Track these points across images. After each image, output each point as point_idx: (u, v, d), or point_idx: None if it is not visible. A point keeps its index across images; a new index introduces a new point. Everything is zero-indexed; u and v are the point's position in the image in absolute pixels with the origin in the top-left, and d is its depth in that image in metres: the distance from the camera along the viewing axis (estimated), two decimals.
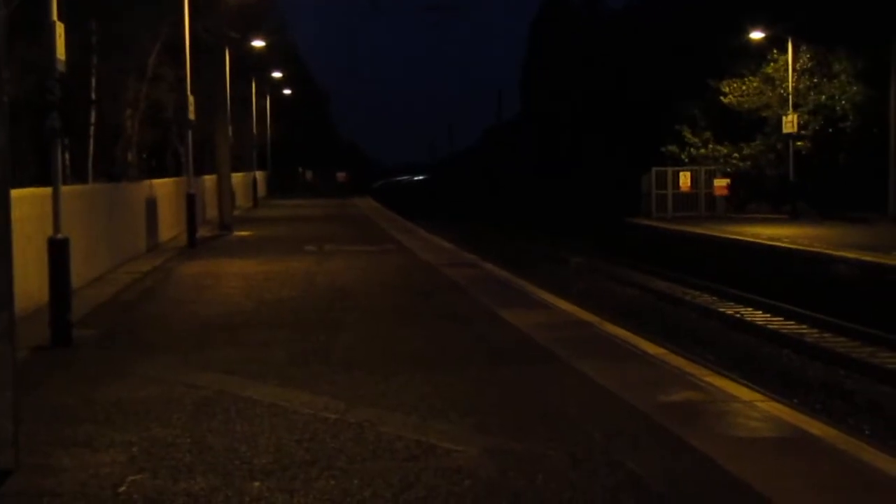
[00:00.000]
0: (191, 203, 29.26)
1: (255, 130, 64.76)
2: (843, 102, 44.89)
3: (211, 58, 37.78)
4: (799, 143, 44.95)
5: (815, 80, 45.93)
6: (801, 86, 45.81)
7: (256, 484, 7.38)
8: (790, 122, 43.65)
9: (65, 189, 14.50)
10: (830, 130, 45.64)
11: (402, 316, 15.71)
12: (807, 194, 44.83)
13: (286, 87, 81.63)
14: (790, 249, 29.70)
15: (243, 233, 35.00)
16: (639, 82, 70.50)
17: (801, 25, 44.24)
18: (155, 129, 41.12)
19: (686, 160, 51.07)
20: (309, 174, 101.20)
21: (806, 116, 45.40)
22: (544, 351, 12.49)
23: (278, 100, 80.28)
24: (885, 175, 41.86)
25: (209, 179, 43.09)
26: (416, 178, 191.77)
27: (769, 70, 47.37)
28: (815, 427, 8.95)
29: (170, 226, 30.82)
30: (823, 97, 45.49)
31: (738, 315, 23.80)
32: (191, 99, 29.05)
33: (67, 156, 29.11)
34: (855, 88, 44.50)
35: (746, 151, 49.08)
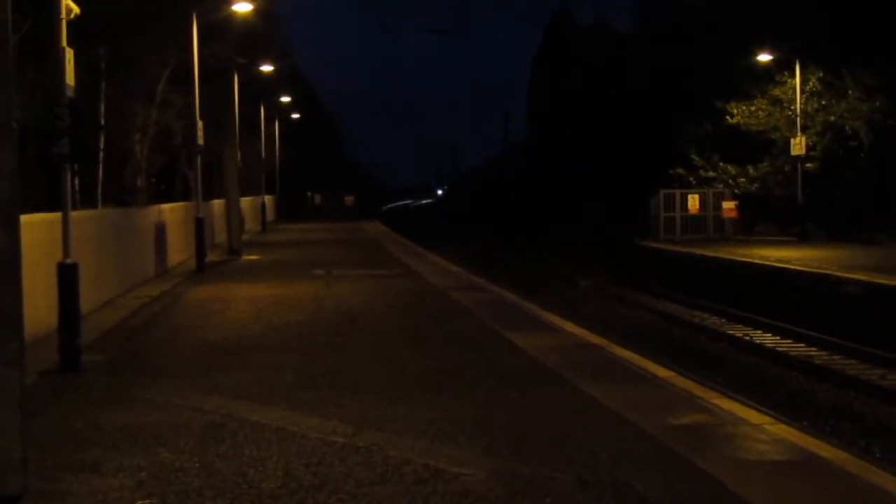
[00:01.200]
0: (199, 228, 29.31)
1: (263, 155, 64.87)
2: (854, 122, 44.84)
3: (219, 83, 37.92)
4: (808, 165, 44.93)
5: (824, 102, 45.92)
6: (810, 108, 45.81)
7: None
8: (798, 144, 43.67)
9: (74, 214, 14.56)
10: (841, 152, 45.57)
11: (411, 339, 15.71)
12: (815, 216, 44.79)
13: (294, 111, 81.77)
14: (799, 272, 29.68)
15: (252, 257, 35.05)
16: (645, 104, 70.53)
17: (809, 47, 44.24)
18: (164, 155, 41.20)
19: (694, 182, 51.13)
20: (317, 198, 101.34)
21: (815, 138, 45.39)
22: (552, 374, 12.48)
23: (286, 124, 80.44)
24: (894, 196, 41.83)
25: (218, 204, 43.19)
26: (423, 202, 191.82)
27: (777, 92, 47.40)
28: (825, 450, 8.94)
29: (179, 250, 30.88)
30: (833, 117, 45.45)
31: (747, 337, 23.74)
32: (199, 124, 29.10)
33: (77, 181, 29.17)
34: (866, 107, 44.46)
35: (754, 173, 49.09)
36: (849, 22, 44.67)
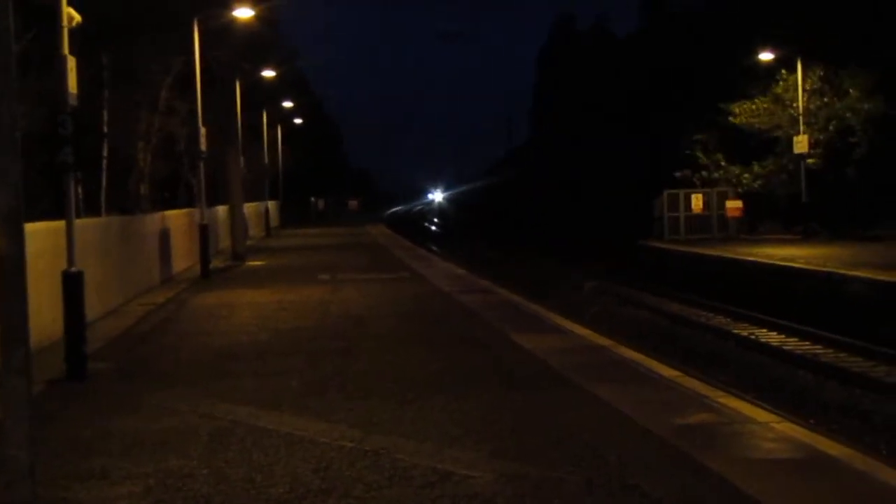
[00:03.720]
0: (204, 234, 29.34)
1: (266, 160, 64.91)
2: (851, 116, 44.75)
3: (222, 89, 37.96)
4: (810, 161, 44.85)
5: (826, 100, 45.87)
6: (812, 105, 45.78)
7: None
8: (801, 143, 43.63)
9: (78, 222, 14.57)
10: (842, 148, 45.47)
11: (417, 343, 15.71)
12: (819, 214, 44.73)
13: (298, 117, 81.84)
14: (804, 270, 29.65)
15: (256, 263, 35.08)
16: (648, 105, 70.59)
17: (810, 45, 44.23)
18: (167, 162, 41.24)
19: (698, 182, 51.13)
20: (321, 203, 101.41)
21: (816, 134, 45.32)
22: (559, 375, 12.48)
23: (290, 129, 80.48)
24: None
25: (222, 210, 43.20)
26: (420, 206, 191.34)
27: (779, 90, 47.37)
28: (832, 447, 8.94)
29: (183, 257, 30.89)
30: (833, 119, 45.36)
31: (753, 336, 23.71)
32: (203, 130, 29.15)
33: (80, 189, 29.20)
34: (867, 106, 44.38)
35: (758, 170, 49.06)
36: (848, 20, 44.65)
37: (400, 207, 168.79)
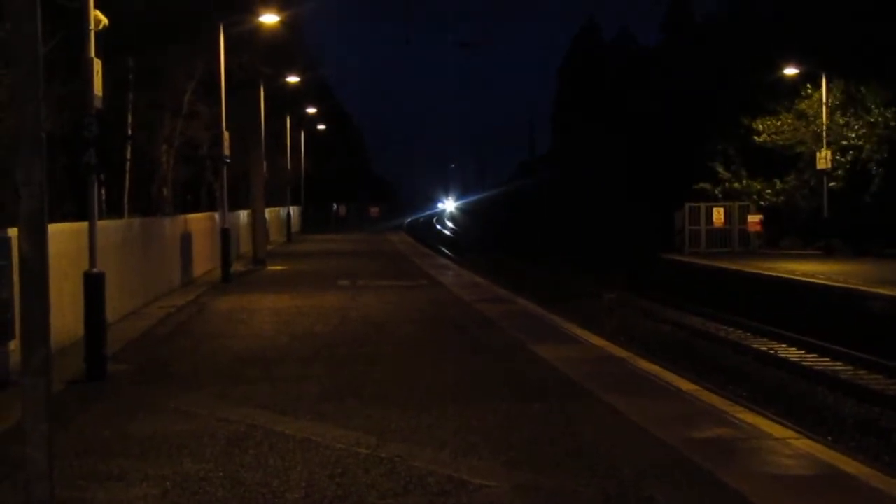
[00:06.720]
0: (225, 238, 29.41)
1: (289, 166, 64.97)
2: (871, 142, 44.47)
3: (245, 94, 38.04)
4: (832, 185, 44.64)
5: (848, 118, 45.62)
6: (835, 122, 45.56)
7: None
8: (824, 159, 43.43)
9: (100, 224, 14.62)
10: (858, 168, 45.21)
11: (435, 351, 15.72)
12: (841, 230, 44.51)
13: (320, 123, 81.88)
14: (825, 286, 29.54)
15: (277, 267, 35.13)
16: (671, 117, 70.42)
17: (834, 60, 44.02)
18: (190, 165, 41.31)
19: (720, 196, 50.96)
20: (342, 209, 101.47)
21: (838, 156, 45.08)
22: (576, 386, 12.48)
23: (312, 135, 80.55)
24: None
25: (243, 214, 43.30)
26: (438, 212, 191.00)
27: (803, 106, 47.15)
28: (850, 465, 8.91)
29: (204, 260, 30.98)
30: (853, 135, 45.11)
31: (772, 351, 23.65)
32: (226, 135, 29.22)
33: (103, 191, 29.29)
34: (882, 123, 44.01)
35: (780, 187, 48.90)
36: (872, 37, 44.40)
37: (419, 215, 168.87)
